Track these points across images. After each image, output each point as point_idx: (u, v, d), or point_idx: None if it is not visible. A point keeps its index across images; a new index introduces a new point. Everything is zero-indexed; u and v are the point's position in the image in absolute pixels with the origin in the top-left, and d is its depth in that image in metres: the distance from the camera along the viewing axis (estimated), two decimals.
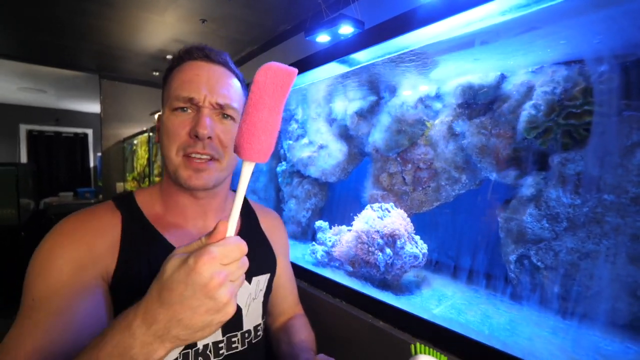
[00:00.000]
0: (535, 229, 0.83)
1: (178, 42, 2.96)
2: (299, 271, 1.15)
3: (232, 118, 0.58)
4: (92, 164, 6.33)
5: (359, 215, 1.10)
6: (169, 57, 3.37)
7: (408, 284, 1.04)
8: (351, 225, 1.11)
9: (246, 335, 0.62)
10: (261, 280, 0.67)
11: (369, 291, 0.95)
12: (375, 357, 0.86)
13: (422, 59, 0.94)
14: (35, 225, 3.95)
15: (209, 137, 0.55)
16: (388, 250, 0.98)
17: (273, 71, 0.35)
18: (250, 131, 0.36)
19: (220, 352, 0.57)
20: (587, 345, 0.68)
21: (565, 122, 0.77)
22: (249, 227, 0.71)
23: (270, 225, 0.77)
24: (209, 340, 0.56)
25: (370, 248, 1.00)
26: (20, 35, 2.83)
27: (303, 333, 0.73)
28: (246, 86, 0.65)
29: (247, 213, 0.73)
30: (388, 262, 0.98)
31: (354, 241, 1.06)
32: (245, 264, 0.37)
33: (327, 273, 1.10)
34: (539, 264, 0.82)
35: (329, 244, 1.18)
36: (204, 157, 0.55)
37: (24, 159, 5.62)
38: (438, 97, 1.12)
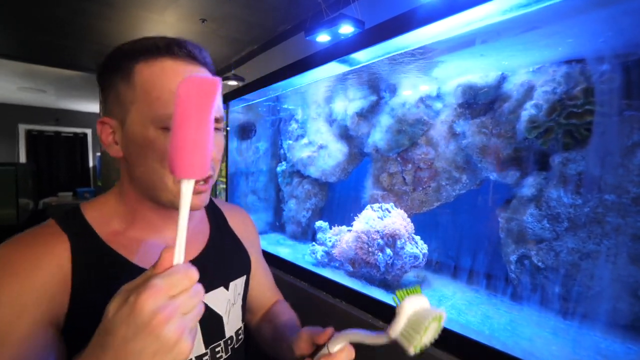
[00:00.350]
0: (536, 229, 0.82)
1: None
2: (299, 271, 1.15)
3: (220, 129, 0.54)
4: (91, 164, 6.32)
5: (359, 215, 1.10)
6: None
7: (408, 284, 1.03)
8: (351, 226, 1.11)
9: (229, 342, 0.59)
10: (238, 284, 0.64)
11: (369, 291, 0.95)
12: (375, 357, 0.85)
13: (422, 59, 0.94)
14: (35, 225, 3.95)
15: None
16: (388, 251, 0.98)
17: (195, 84, 0.33)
18: (182, 148, 0.33)
19: None
20: (588, 346, 0.68)
21: (567, 122, 0.77)
22: (218, 230, 0.65)
23: (239, 222, 0.72)
24: (192, 355, 0.53)
25: (370, 248, 1.00)
26: (20, 35, 2.83)
27: (285, 315, 0.71)
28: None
29: (214, 214, 0.68)
30: (388, 262, 0.98)
31: (354, 241, 1.05)
32: (198, 292, 0.33)
33: (327, 273, 1.09)
34: (539, 264, 0.82)
35: (329, 244, 1.18)
36: (204, 178, 0.49)
37: (23, 158, 5.61)
38: (438, 96, 1.12)
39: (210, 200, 0.69)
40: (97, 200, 0.55)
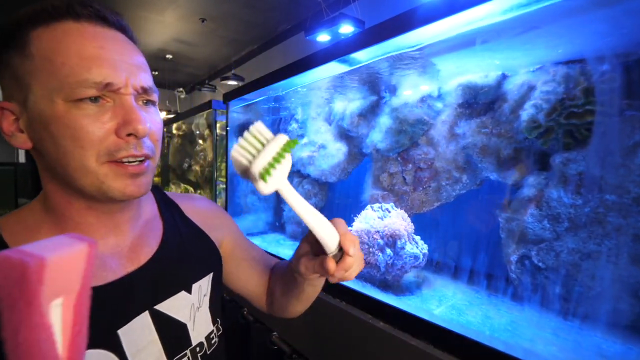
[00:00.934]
0: (537, 229, 0.82)
1: (178, 42, 2.96)
2: None
3: (154, 103, 0.46)
4: None
5: (359, 215, 1.10)
6: (168, 56, 3.35)
7: (408, 284, 1.03)
8: (351, 226, 1.11)
9: (197, 349, 0.52)
10: (203, 284, 0.56)
11: (369, 291, 0.95)
12: (375, 357, 0.85)
13: (422, 58, 0.94)
14: None
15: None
16: (388, 251, 0.98)
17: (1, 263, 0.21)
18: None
19: None
20: (589, 347, 0.68)
21: (567, 122, 0.77)
22: (174, 225, 0.56)
23: (199, 211, 0.62)
24: None
25: (370, 248, 1.00)
26: None
27: (284, 264, 0.64)
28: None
29: (167, 208, 0.58)
30: (388, 262, 0.98)
31: None
32: None
33: None
34: (540, 264, 0.82)
35: None
36: (139, 159, 0.42)
37: (22, 158, 5.61)
38: (439, 96, 1.12)
39: (163, 194, 0.61)
40: (19, 212, 0.45)
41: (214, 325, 0.56)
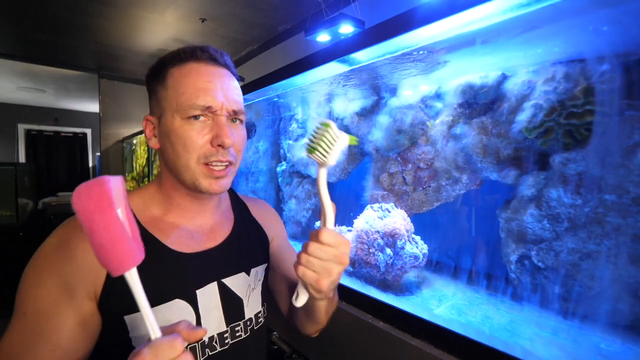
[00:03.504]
0: (536, 229, 0.82)
1: (178, 42, 2.96)
2: None
3: (242, 121, 0.61)
4: (91, 164, 6.31)
5: (359, 215, 1.10)
6: None
7: (408, 284, 1.03)
8: (351, 226, 1.11)
9: (248, 323, 0.64)
10: (259, 271, 0.69)
11: (369, 291, 0.95)
12: (376, 357, 0.85)
13: (422, 59, 0.94)
14: (34, 225, 3.94)
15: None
16: (388, 251, 0.98)
17: (82, 192, 0.35)
18: (105, 251, 0.36)
19: (226, 341, 0.60)
20: (588, 346, 0.68)
21: (567, 122, 0.77)
22: (242, 219, 0.71)
23: (261, 212, 0.77)
24: (214, 332, 0.59)
25: (370, 248, 1.00)
26: (20, 34, 2.82)
27: None
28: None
29: (238, 206, 0.74)
30: (388, 262, 0.98)
31: (354, 241, 1.05)
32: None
33: None
34: (539, 264, 0.82)
35: None
36: (224, 164, 0.56)
37: (22, 158, 5.60)
38: (438, 96, 1.12)
39: (235, 194, 0.76)
40: (140, 189, 0.62)
41: (262, 306, 0.68)
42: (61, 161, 6.06)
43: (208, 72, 0.56)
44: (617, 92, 0.70)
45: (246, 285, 0.65)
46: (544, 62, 0.86)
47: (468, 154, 1.01)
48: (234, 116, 0.58)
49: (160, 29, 2.64)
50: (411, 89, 1.17)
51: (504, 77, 0.95)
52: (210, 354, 0.58)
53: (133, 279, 0.37)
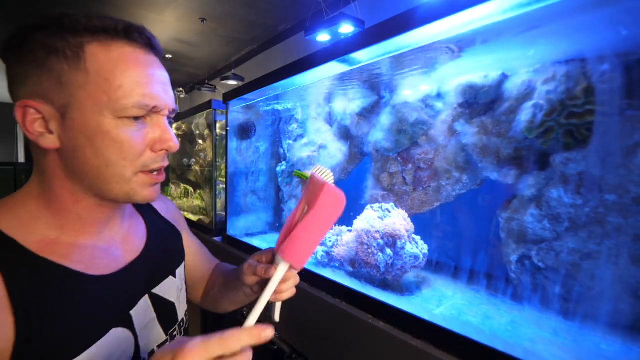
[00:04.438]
0: (537, 229, 0.82)
1: (178, 42, 2.96)
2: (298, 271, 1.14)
3: (173, 120, 0.53)
4: None
5: (359, 215, 1.10)
6: (168, 56, 3.35)
7: (408, 284, 1.03)
8: (351, 226, 1.11)
9: (181, 324, 0.63)
10: (181, 270, 0.67)
11: (369, 292, 0.95)
12: (375, 357, 0.85)
13: (422, 58, 0.94)
14: None
15: None
16: (388, 251, 0.98)
17: (334, 196, 0.44)
18: (308, 246, 0.44)
19: None
20: (589, 347, 0.68)
21: (567, 122, 0.77)
22: (153, 221, 0.64)
23: (168, 210, 0.71)
24: (154, 345, 0.54)
25: (370, 248, 0.99)
26: None
27: (228, 267, 0.77)
28: None
29: (143, 207, 0.65)
30: (388, 262, 0.98)
31: (354, 241, 1.05)
32: (246, 357, 0.35)
33: (327, 273, 1.09)
34: (540, 264, 0.82)
35: (329, 244, 1.18)
36: (163, 169, 0.50)
37: (22, 158, 5.61)
38: (439, 96, 1.12)
39: None
40: (5, 206, 0.45)
41: (187, 303, 0.68)
42: None
43: (148, 61, 0.45)
44: (618, 92, 0.69)
45: (175, 287, 0.62)
46: (544, 61, 0.86)
47: (468, 154, 1.01)
48: (170, 116, 0.49)
49: (160, 29, 2.64)
50: (411, 89, 1.17)
51: (504, 77, 0.94)
52: None
53: (282, 272, 0.46)
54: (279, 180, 1.75)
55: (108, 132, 0.42)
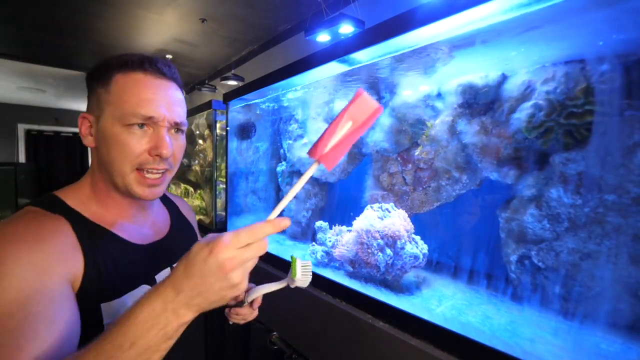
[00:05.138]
0: (536, 229, 0.82)
1: (178, 42, 2.96)
2: None
3: (183, 131, 0.63)
4: (91, 164, 6.31)
5: (359, 215, 1.10)
6: (168, 56, 3.36)
7: (408, 284, 1.03)
8: (351, 226, 1.11)
9: None
10: None
11: (369, 291, 0.95)
12: (375, 357, 0.85)
13: (422, 58, 0.94)
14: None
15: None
16: (388, 251, 0.98)
17: (368, 103, 0.45)
18: (342, 146, 0.46)
19: None
20: (589, 347, 0.68)
21: (567, 122, 0.77)
22: (176, 217, 0.77)
23: (187, 210, 0.85)
24: None
25: (370, 248, 1.00)
26: (20, 34, 2.82)
27: None
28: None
29: (169, 204, 0.79)
30: (388, 262, 0.98)
31: (354, 241, 1.05)
32: (261, 248, 0.43)
33: (327, 273, 1.09)
34: (539, 264, 0.82)
35: (329, 244, 1.18)
36: (160, 171, 0.59)
37: (22, 158, 5.60)
38: (439, 96, 1.12)
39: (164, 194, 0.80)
40: (71, 189, 0.61)
41: None
42: (61, 161, 6.06)
43: (154, 84, 0.58)
44: (617, 92, 0.70)
45: None
46: (544, 62, 0.86)
47: (468, 154, 1.01)
48: (176, 127, 0.61)
49: (160, 29, 2.64)
50: (411, 89, 1.17)
51: (504, 77, 0.95)
52: None
53: (313, 169, 0.49)
54: (279, 180, 1.75)
55: (116, 135, 0.56)
